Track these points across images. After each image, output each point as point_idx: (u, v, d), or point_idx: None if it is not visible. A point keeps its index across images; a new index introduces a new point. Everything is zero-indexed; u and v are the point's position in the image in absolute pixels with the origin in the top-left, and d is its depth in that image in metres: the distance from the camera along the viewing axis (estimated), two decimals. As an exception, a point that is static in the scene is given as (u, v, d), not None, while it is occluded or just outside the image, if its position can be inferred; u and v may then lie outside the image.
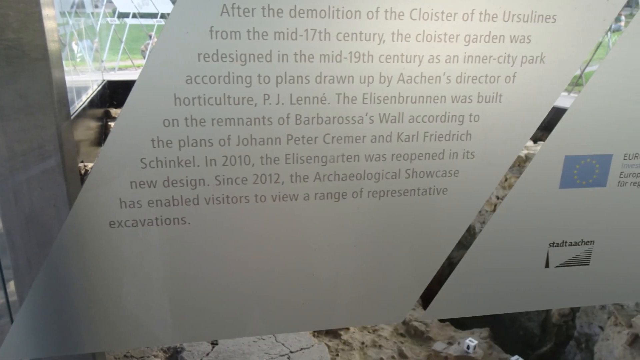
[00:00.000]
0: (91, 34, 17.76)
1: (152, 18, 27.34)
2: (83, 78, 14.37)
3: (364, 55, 1.84)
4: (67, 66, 12.27)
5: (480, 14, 1.88)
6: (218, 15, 1.72)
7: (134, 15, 26.14)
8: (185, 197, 1.92)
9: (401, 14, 1.82)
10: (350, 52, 1.83)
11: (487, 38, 1.91)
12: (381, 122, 1.94)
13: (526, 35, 1.94)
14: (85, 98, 12.69)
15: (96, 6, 20.22)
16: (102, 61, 18.75)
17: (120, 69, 21.37)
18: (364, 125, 1.94)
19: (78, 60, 14.86)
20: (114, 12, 24.81)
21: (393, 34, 1.84)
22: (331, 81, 1.85)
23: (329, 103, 1.88)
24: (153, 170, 1.86)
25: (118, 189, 1.87)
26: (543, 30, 1.94)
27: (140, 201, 1.90)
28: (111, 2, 24.47)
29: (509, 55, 1.95)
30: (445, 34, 1.88)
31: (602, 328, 7.02)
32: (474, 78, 1.95)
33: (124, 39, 22.04)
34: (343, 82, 1.86)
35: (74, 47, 14.68)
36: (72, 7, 14.88)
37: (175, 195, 1.91)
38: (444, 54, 1.90)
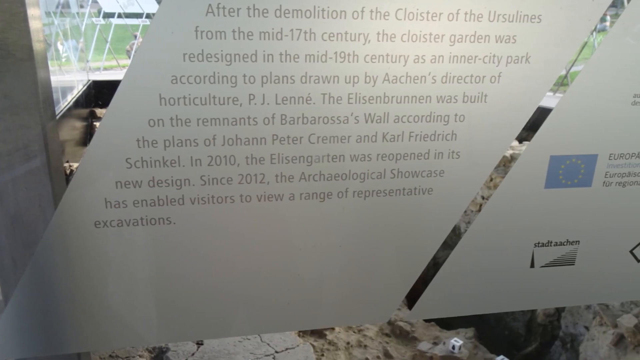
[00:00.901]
0: (76, 34, 17.73)
1: (137, 18, 27.34)
2: (68, 78, 14.36)
3: (349, 55, 1.85)
4: (52, 66, 12.26)
5: (466, 14, 1.88)
6: (203, 15, 1.72)
7: (119, 15, 26.14)
8: (170, 197, 1.92)
9: (386, 14, 1.82)
10: (336, 52, 1.83)
11: (473, 38, 1.92)
12: (366, 122, 1.94)
13: (511, 35, 1.94)
14: (71, 98, 12.68)
15: (81, 6, 20.19)
16: (88, 61, 18.73)
17: (105, 69, 21.37)
18: (349, 125, 1.94)
19: (63, 60, 14.84)
20: (99, 12, 24.78)
21: (378, 34, 1.84)
22: (316, 81, 1.85)
23: (314, 103, 1.88)
24: (138, 170, 1.85)
25: (103, 189, 1.87)
26: (528, 30, 1.95)
27: (126, 201, 1.89)
28: (96, 2, 24.44)
29: (494, 55, 1.95)
30: (430, 34, 1.88)
31: (587, 328, 7.04)
32: (459, 78, 1.96)
33: (109, 39, 22.02)
34: (328, 82, 1.86)
35: (59, 47, 14.65)
36: (57, 7, 14.85)
37: (160, 195, 1.91)
38: (429, 54, 1.90)
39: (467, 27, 1.90)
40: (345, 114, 1.92)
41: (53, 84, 2.03)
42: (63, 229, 1.90)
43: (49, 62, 1.98)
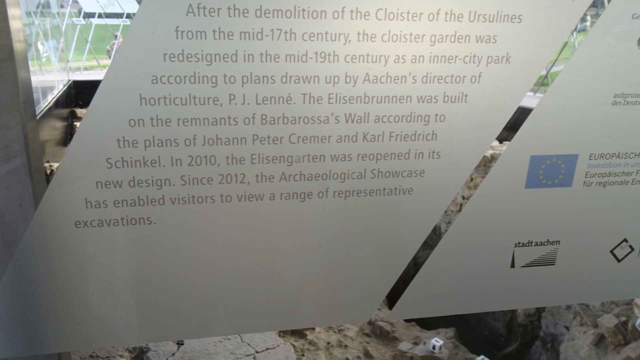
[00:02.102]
0: (57, 34, 17.67)
1: (117, 18, 27.27)
2: (49, 78, 14.31)
3: (329, 55, 1.85)
4: (32, 66, 12.22)
5: (446, 14, 1.88)
6: (184, 15, 1.72)
7: (100, 15, 26.05)
8: (150, 197, 1.91)
9: (367, 14, 1.82)
10: (316, 52, 1.84)
11: (453, 38, 1.92)
12: (347, 122, 1.94)
13: (492, 35, 1.94)
14: (51, 98, 12.63)
15: (62, 6, 20.10)
16: (68, 61, 18.66)
17: (86, 69, 21.28)
18: (330, 125, 1.94)
19: (44, 60, 14.79)
20: (79, 12, 24.68)
21: (359, 34, 1.84)
22: (297, 81, 1.85)
23: (294, 103, 1.88)
24: (119, 170, 1.85)
25: (83, 189, 1.86)
26: (509, 30, 1.95)
27: (106, 201, 1.89)
28: (77, 2, 24.34)
29: (474, 55, 1.95)
30: (410, 34, 1.88)
31: (567, 328, 7.06)
32: (440, 78, 1.96)
33: (89, 39, 21.94)
34: (309, 82, 1.86)
35: (40, 47, 14.61)
36: (37, 7, 14.80)
37: (141, 195, 1.90)
38: (410, 54, 1.90)
39: (447, 27, 1.90)
40: (326, 114, 1.92)
41: (33, 84, 2.02)
42: (43, 228, 1.90)
43: (29, 62, 1.98)
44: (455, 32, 1.92)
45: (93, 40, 22.93)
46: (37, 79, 12.43)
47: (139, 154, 1.84)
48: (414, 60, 1.92)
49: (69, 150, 1.81)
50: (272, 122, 1.89)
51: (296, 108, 1.89)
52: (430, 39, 1.91)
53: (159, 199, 1.92)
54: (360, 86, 1.91)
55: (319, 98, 1.89)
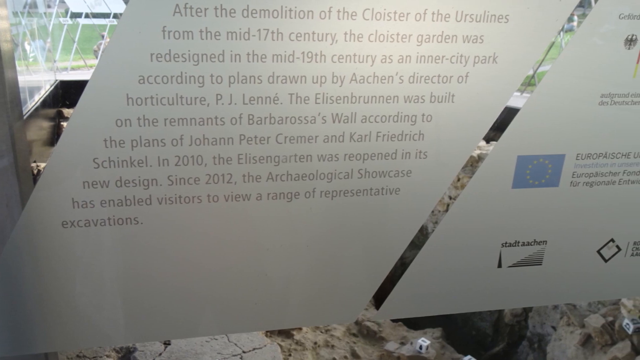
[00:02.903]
0: (44, 34, 17.62)
1: (104, 18, 27.21)
2: (36, 78, 14.27)
3: (316, 55, 1.85)
4: (19, 66, 12.20)
5: (433, 14, 1.88)
6: (170, 15, 1.72)
7: (87, 15, 25.99)
8: (137, 197, 1.91)
9: (354, 14, 1.82)
10: (303, 52, 1.84)
11: (440, 38, 1.92)
12: (334, 122, 1.94)
13: (479, 35, 1.95)
14: (38, 98, 12.61)
15: (49, 6, 20.05)
16: (55, 61, 18.62)
17: (73, 69, 21.23)
18: (317, 125, 1.94)
19: (31, 60, 14.76)
20: (66, 12, 24.60)
21: (345, 34, 1.84)
22: (284, 81, 1.86)
23: (281, 103, 1.88)
24: (106, 170, 1.85)
25: (70, 189, 1.86)
26: (496, 30, 1.95)
27: (93, 201, 1.89)
28: (64, 2, 24.27)
29: (461, 55, 1.96)
30: (397, 34, 1.88)
31: (554, 328, 7.07)
32: (427, 78, 1.96)
33: (76, 39, 21.88)
34: (295, 82, 1.87)
35: (27, 47, 14.57)
36: (24, 7, 14.76)
37: (127, 195, 1.90)
38: (397, 54, 1.91)
39: (434, 27, 1.90)
40: (313, 114, 1.92)
41: (20, 84, 2.02)
42: (30, 229, 1.89)
43: (16, 62, 1.98)
44: (442, 32, 1.92)
45: (80, 40, 22.87)
46: (24, 79, 12.38)
47: (126, 154, 1.84)
48: (400, 61, 1.92)
49: (56, 150, 1.81)
50: (259, 122, 1.89)
51: (283, 108, 1.89)
52: (417, 39, 1.91)
53: (146, 199, 1.92)
54: (347, 86, 1.91)
55: (306, 98, 1.89)
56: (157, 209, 1.95)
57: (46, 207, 1.88)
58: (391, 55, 1.90)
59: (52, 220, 1.90)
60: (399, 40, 1.89)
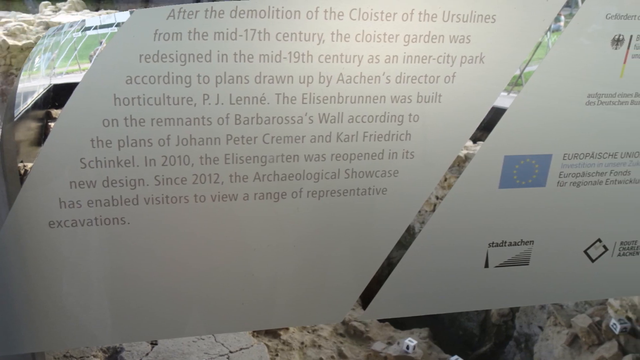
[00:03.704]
0: (55, 47, 17.65)
1: (108, 28, 27.18)
2: (33, 84, 14.29)
3: (303, 55, 1.85)
4: (23, 75, 12.27)
5: (420, 14, 1.89)
6: (164, 19, 1.72)
7: (95, 27, 25.98)
8: (124, 197, 1.91)
9: (340, 14, 1.82)
10: (290, 52, 1.84)
11: (427, 38, 1.92)
12: (321, 122, 1.94)
13: (465, 35, 1.95)
14: (30, 101, 12.60)
15: (71, 25, 20.04)
16: (54, 68, 18.59)
17: (67, 73, 21.19)
18: (304, 125, 1.94)
19: (34, 70, 14.78)
20: (81, 27, 24.57)
21: (332, 34, 1.84)
22: (270, 81, 1.85)
23: (268, 103, 1.88)
24: (92, 170, 1.85)
25: (57, 189, 1.86)
26: (482, 30, 1.96)
27: (80, 201, 1.89)
28: (84, 21, 24.26)
29: (448, 55, 1.96)
30: (384, 34, 1.88)
31: (541, 328, 7.08)
32: (414, 78, 1.96)
33: (77, 48, 21.85)
34: (282, 82, 1.86)
35: (36, 60, 14.61)
36: (55, 29, 14.79)
37: (114, 195, 1.90)
38: (384, 54, 1.91)
39: (421, 27, 1.90)
40: (300, 114, 1.92)
41: (19, 90, 2.04)
42: (17, 228, 1.89)
43: (23, 73, 1.99)
44: (429, 32, 1.92)
45: (81, 48, 22.84)
46: (24, 85, 12.41)
47: (112, 154, 1.84)
48: (387, 61, 1.92)
49: (43, 150, 1.81)
50: (245, 122, 1.89)
51: (270, 108, 1.89)
52: (404, 39, 1.91)
53: (133, 199, 1.92)
54: (334, 86, 1.91)
55: (293, 98, 1.89)
56: (144, 209, 1.94)
57: (33, 207, 1.87)
58: (378, 55, 1.90)
59: (39, 220, 1.89)
60: (386, 40, 1.89)
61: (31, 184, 1.84)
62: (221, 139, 1.89)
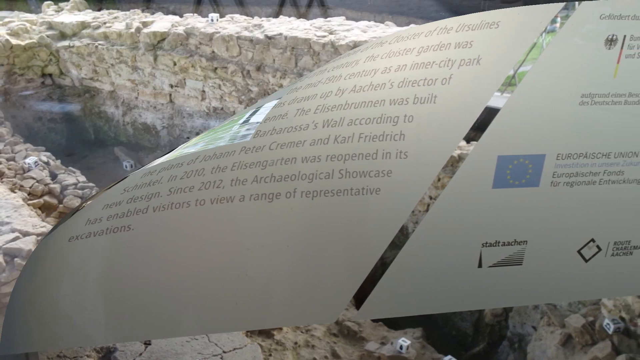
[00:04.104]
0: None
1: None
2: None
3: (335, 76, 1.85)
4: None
5: (439, 28, 1.90)
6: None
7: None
8: (138, 208, 1.91)
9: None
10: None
11: (436, 47, 1.95)
12: (323, 127, 1.95)
13: (469, 41, 1.96)
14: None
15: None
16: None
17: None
18: (308, 131, 1.95)
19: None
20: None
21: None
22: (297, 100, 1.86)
23: (288, 117, 1.88)
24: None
25: (88, 211, 1.86)
26: (486, 36, 1.97)
27: (102, 217, 1.89)
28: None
29: (449, 60, 1.97)
30: (405, 49, 1.89)
31: (535, 328, 7.09)
32: (414, 82, 1.97)
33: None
34: (303, 101, 1.87)
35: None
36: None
37: (130, 208, 1.90)
38: (396, 64, 1.92)
39: (434, 38, 1.92)
40: (307, 122, 1.94)
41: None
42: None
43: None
44: (440, 41, 1.93)
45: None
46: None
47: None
48: (397, 69, 1.93)
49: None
50: (261, 135, 1.89)
51: (287, 121, 1.90)
52: (417, 51, 1.92)
53: (144, 209, 1.92)
54: (345, 96, 1.94)
55: (308, 110, 1.90)
56: (151, 217, 1.95)
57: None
58: (391, 66, 1.91)
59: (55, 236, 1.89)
60: (402, 53, 1.90)
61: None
62: (237, 151, 1.89)
